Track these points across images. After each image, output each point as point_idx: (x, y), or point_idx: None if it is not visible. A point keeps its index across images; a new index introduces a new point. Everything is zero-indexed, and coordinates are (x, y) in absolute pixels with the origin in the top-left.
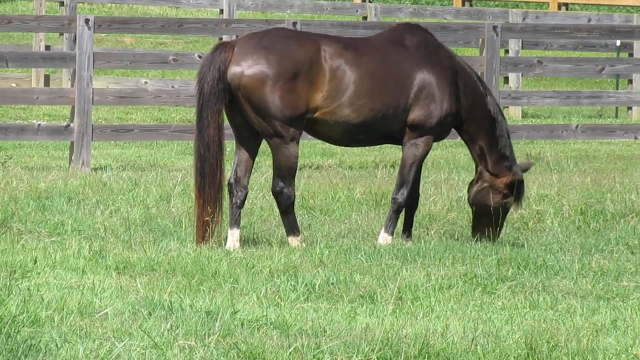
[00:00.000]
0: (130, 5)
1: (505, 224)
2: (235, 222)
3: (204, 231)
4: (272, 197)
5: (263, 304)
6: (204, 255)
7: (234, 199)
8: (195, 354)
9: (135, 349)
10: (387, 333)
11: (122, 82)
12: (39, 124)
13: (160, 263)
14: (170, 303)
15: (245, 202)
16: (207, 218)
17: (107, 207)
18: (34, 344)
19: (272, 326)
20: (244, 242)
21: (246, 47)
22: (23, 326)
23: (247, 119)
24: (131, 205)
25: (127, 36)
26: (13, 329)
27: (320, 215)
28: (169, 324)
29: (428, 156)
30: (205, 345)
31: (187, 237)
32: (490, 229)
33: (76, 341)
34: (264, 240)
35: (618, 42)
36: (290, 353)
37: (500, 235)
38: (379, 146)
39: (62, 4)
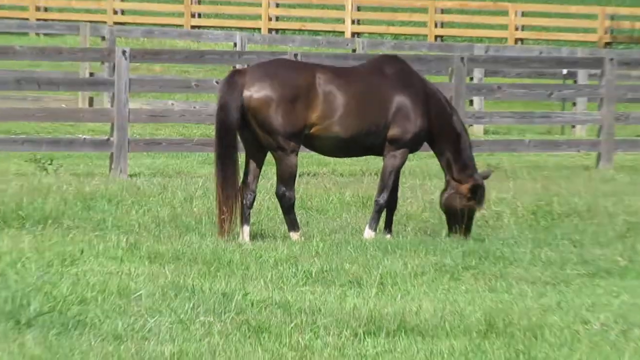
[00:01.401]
0: (160, 39)
1: (473, 222)
2: (246, 220)
3: (222, 227)
4: (276, 199)
5: (269, 287)
6: (220, 247)
7: (244, 200)
8: (214, 328)
9: (164, 324)
10: (372, 311)
11: (152, 104)
12: (85, 138)
13: (184, 253)
14: (193, 286)
15: (254, 204)
16: (223, 217)
17: (140, 207)
18: (82, 320)
19: (276, 306)
20: (254, 236)
21: (255, 74)
22: (72, 305)
23: (255, 135)
24: (160, 206)
25: (157, 65)
26: (64, 307)
27: (316, 214)
28: (192, 303)
29: (405, 165)
30: (222, 321)
31: (207, 232)
32: (461, 228)
33: (116, 317)
34: (270, 235)
35: (565, 71)
36: (291, 327)
37: (470, 232)
38: (364, 157)
39: (103, 38)
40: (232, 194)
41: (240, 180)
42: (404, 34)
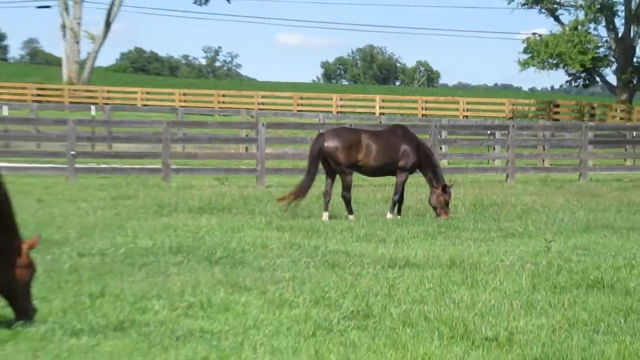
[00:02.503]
0: (281, 117)
1: (448, 208)
2: (326, 208)
3: (285, 201)
4: (341, 198)
5: (338, 243)
6: (314, 223)
7: (326, 198)
8: (310, 264)
9: (285, 262)
10: (391, 255)
11: (278, 150)
12: (242, 168)
13: (295, 226)
14: (299, 243)
15: (331, 200)
16: (291, 199)
17: (272, 202)
18: (243, 260)
19: (342, 253)
20: (330, 217)
21: (330, 134)
22: (238, 252)
23: (330, 165)
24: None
25: (279, 130)
26: (234, 253)
27: (362, 206)
28: (298, 252)
29: (407, 180)
30: (314, 261)
31: (307, 215)
32: (440, 213)
33: (260, 259)
34: (339, 216)
35: (489, 132)
36: (350, 264)
37: (448, 214)
38: (386, 177)
39: (252, 116)
40: (304, 193)
41: (311, 188)
42: (407, 114)
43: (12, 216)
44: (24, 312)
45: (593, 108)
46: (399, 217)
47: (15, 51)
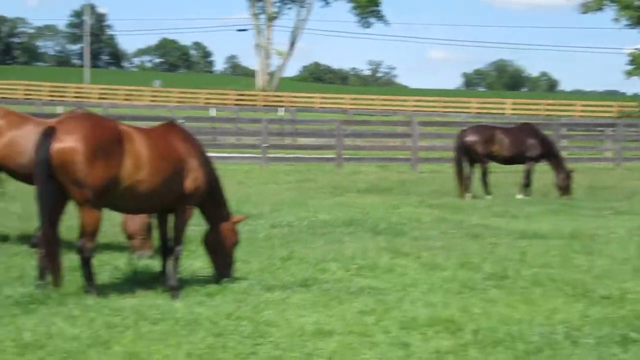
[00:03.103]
0: (431, 117)
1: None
2: (468, 190)
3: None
4: (480, 182)
5: (479, 218)
6: (458, 202)
7: (466, 182)
8: (455, 237)
9: (436, 234)
10: (522, 229)
11: (429, 143)
12: (399, 157)
13: (445, 204)
14: (447, 218)
15: (471, 184)
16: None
17: (428, 184)
18: (401, 232)
19: (482, 226)
20: (472, 197)
21: (470, 130)
22: (395, 225)
23: (472, 156)
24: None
25: (430, 127)
26: (391, 227)
27: (497, 189)
28: (447, 225)
29: (535, 167)
30: (459, 233)
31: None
32: (565, 193)
33: (415, 230)
34: (480, 196)
35: (600, 129)
36: (489, 235)
37: None
38: (517, 165)
39: (407, 116)
40: (467, 179)
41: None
42: (532, 114)
43: (221, 192)
44: (225, 270)
45: None
46: (527, 197)
47: (219, 65)
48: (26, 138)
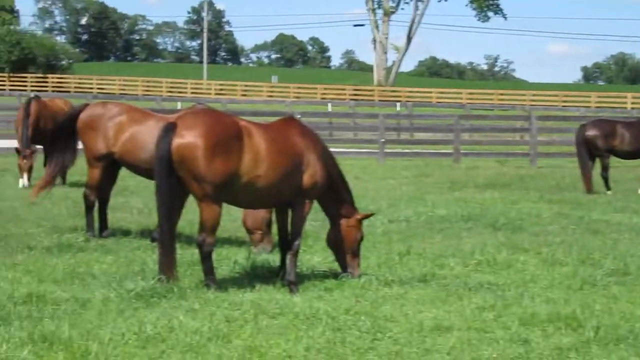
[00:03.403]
0: (550, 111)
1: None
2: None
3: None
4: (600, 177)
5: (600, 214)
6: (577, 196)
7: (586, 177)
8: (576, 232)
9: (556, 230)
10: None
11: (547, 138)
12: (518, 152)
13: (564, 199)
14: (566, 213)
15: (592, 178)
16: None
17: (545, 179)
18: (520, 227)
19: (603, 222)
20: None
21: (590, 125)
22: (514, 221)
23: (591, 151)
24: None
25: (548, 122)
26: (510, 222)
27: (617, 183)
28: (567, 221)
29: None
30: (579, 228)
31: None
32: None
33: (535, 226)
34: (600, 192)
35: None
36: (610, 230)
37: None
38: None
39: (525, 111)
40: (589, 173)
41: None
42: None
43: (345, 187)
44: (351, 269)
45: None
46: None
47: (336, 60)
48: (147, 134)
